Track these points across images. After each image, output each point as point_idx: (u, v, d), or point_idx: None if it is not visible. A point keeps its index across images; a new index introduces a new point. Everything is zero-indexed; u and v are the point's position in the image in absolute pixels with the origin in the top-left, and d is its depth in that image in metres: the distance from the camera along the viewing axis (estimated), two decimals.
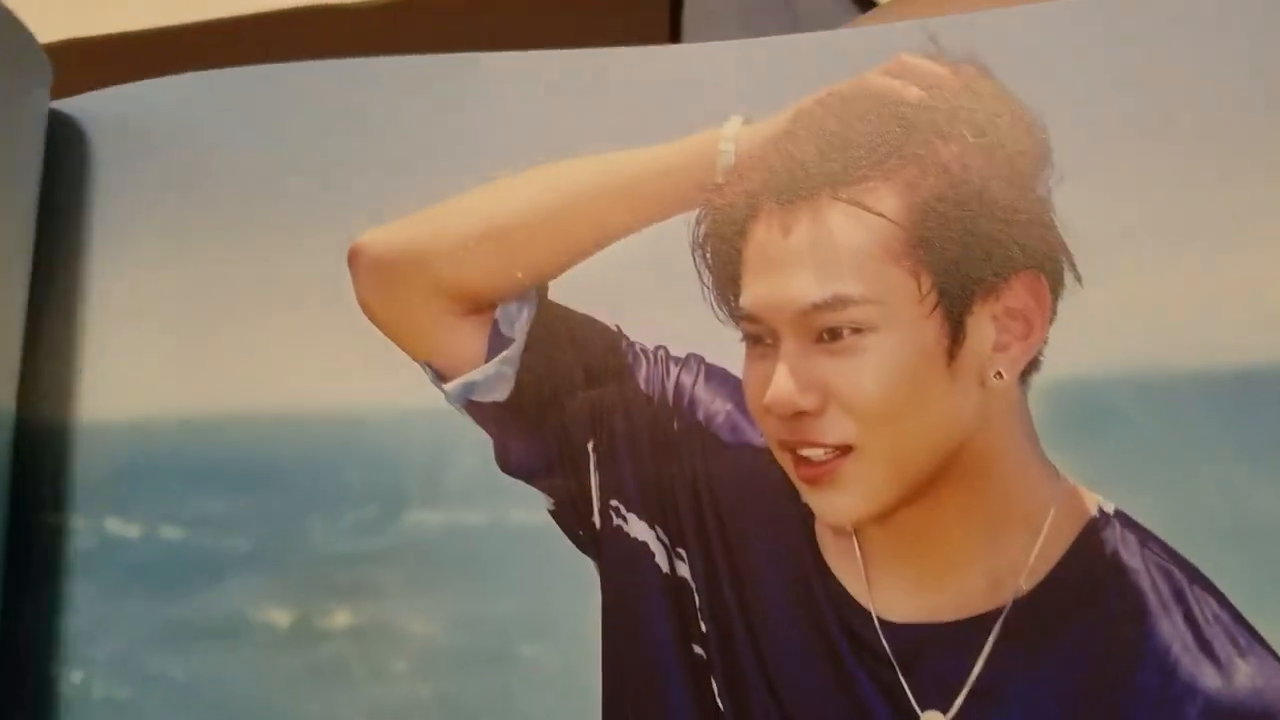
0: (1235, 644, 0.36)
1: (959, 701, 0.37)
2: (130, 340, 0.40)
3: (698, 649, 0.39)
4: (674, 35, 0.50)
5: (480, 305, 0.41)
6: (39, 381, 0.41)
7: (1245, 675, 0.36)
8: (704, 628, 0.39)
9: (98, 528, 0.40)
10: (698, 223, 0.40)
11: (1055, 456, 0.38)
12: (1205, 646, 0.36)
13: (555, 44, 0.42)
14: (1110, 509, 0.38)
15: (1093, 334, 0.38)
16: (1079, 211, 0.39)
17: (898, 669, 0.37)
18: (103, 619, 0.39)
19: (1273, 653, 0.36)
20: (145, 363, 0.40)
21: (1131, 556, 0.37)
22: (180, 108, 0.42)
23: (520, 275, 0.40)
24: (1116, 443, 0.38)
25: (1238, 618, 0.36)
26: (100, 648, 0.39)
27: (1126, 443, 0.38)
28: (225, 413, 0.40)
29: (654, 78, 0.42)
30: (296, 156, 0.42)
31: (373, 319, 0.41)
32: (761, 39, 0.42)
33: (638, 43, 0.43)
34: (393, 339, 0.41)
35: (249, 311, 0.41)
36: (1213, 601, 0.36)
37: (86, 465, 0.40)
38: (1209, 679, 0.36)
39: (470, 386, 0.40)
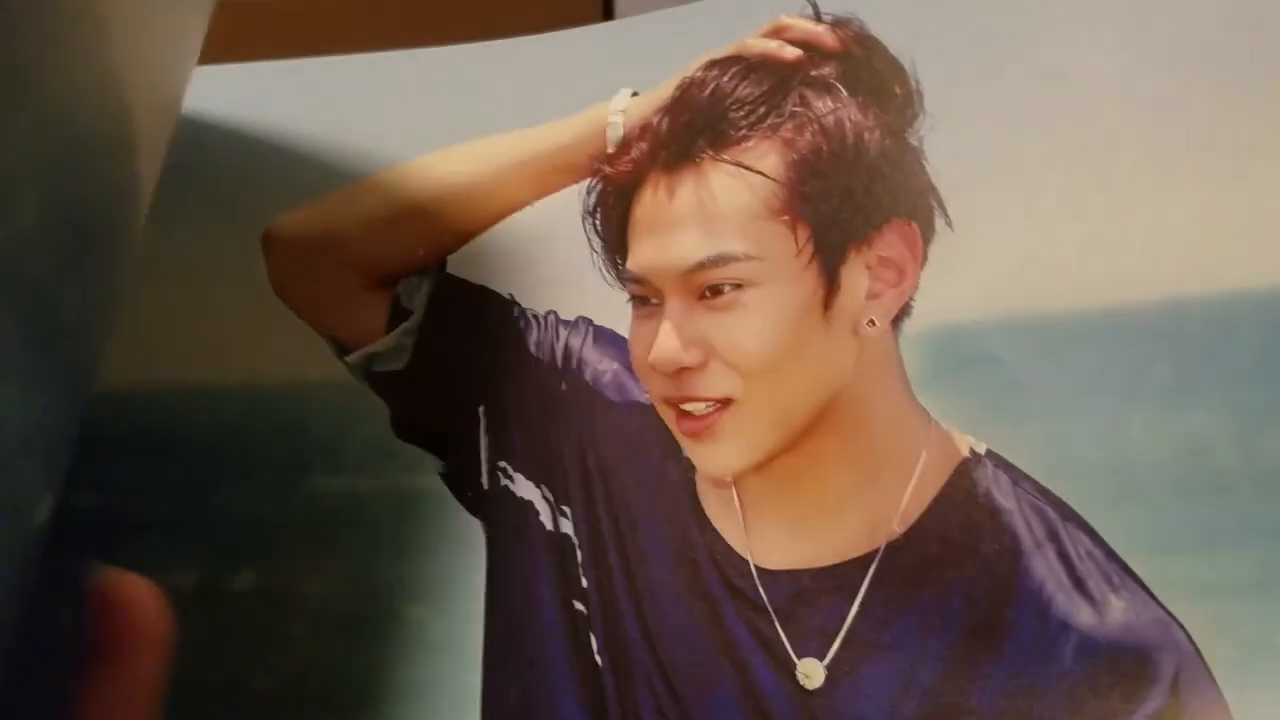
0: (1108, 580, 0.35)
1: (834, 648, 0.37)
2: None
3: (579, 605, 0.39)
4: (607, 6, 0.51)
5: (384, 281, 0.42)
6: None
7: (1118, 611, 0.35)
8: (585, 583, 0.39)
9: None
10: (588, 192, 0.41)
11: (929, 401, 0.38)
12: (1079, 584, 0.35)
13: (488, 17, 0.44)
14: (981, 449, 0.37)
15: (963, 279, 0.38)
16: (950, 159, 0.39)
17: (775, 618, 0.37)
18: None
19: (1145, 588, 0.35)
20: None
21: (1004, 496, 0.37)
22: None
23: (422, 252, 0.42)
24: (988, 385, 0.37)
25: (1110, 554, 0.36)
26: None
27: (999, 385, 0.37)
28: (136, 383, 0.42)
29: (551, 61, 0.44)
30: (219, 146, 0.44)
31: (283, 298, 0.42)
32: (642, 16, 0.43)
33: (572, 13, 0.44)
34: (300, 315, 0.42)
35: (160, 286, 0.43)
36: (1085, 538, 0.36)
37: None
38: (1083, 615, 0.35)
39: (371, 358, 0.42)
